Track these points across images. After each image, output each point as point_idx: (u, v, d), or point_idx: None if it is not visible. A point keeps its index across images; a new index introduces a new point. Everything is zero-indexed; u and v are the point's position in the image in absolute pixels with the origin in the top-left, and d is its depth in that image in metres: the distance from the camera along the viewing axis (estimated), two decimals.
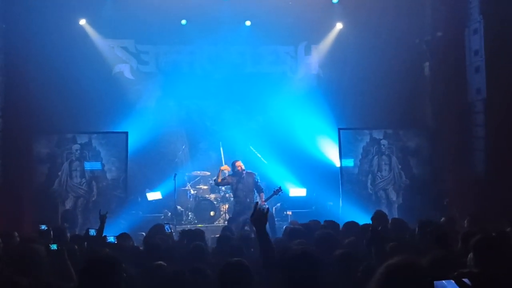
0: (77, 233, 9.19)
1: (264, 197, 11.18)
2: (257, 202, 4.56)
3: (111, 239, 6.52)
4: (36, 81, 11.92)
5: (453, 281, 2.49)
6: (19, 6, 11.40)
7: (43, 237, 6.89)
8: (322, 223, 7.81)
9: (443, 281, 2.50)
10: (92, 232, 6.78)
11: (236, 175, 11.31)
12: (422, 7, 12.93)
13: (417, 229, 6.64)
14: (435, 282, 2.52)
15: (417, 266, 2.53)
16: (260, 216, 4.13)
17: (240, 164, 11.32)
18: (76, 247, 6.01)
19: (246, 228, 9.48)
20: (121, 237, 6.92)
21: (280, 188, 10.98)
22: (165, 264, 5.06)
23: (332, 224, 7.48)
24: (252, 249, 6.33)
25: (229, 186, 11.88)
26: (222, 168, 12.02)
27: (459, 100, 11.65)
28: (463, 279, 2.50)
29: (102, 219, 6.81)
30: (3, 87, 11.12)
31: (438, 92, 12.68)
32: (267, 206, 10.68)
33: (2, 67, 11.10)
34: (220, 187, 12.53)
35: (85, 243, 6.63)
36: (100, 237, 6.54)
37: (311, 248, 4.85)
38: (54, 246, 5.26)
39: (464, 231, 6.05)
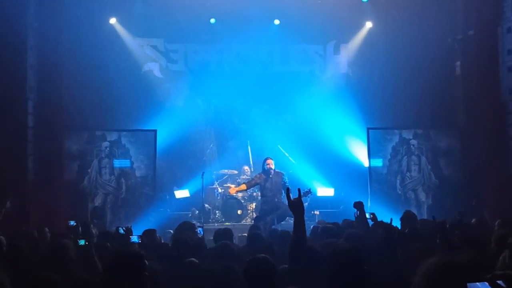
0: (106, 229, 9.28)
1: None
2: (298, 189, 4.42)
3: (134, 239, 6.52)
4: (67, 79, 12.12)
5: (487, 283, 2.43)
6: (51, 5, 11.58)
7: (71, 233, 6.97)
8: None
9: (477, 283, 2.45)
10: (122, 230, 6.82)
11: (264, 173, 11.21)
12: (454, 5, 12.72)
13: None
14: (468, 284, 2.46)
15: (459, 265, 2.49)
16: (299, 201, 4.04)
17: (270, 162, 11.10)
18: (108, 244, 6.05)
19: (274, 227, 9.46)
20: (145, 234, 6.95)
21: (309, 190, 10.59)
22: (197, 261, 5.06)
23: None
24: (282, 248, 6.27)
25: (257, 185, 11.83)
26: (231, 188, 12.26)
27: (491, 100, 11.44)
28: (498, 281, 2.43)
29: (128, 232, 6.78)
30: (35, 85, 11.31)
31: (470, 91, 12.46)
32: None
33: (34, 65, 11.29)
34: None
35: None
36: (125, 236, 6.54)
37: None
38: (82, 242, 5.32)
39: (496, 233, 5.94)
